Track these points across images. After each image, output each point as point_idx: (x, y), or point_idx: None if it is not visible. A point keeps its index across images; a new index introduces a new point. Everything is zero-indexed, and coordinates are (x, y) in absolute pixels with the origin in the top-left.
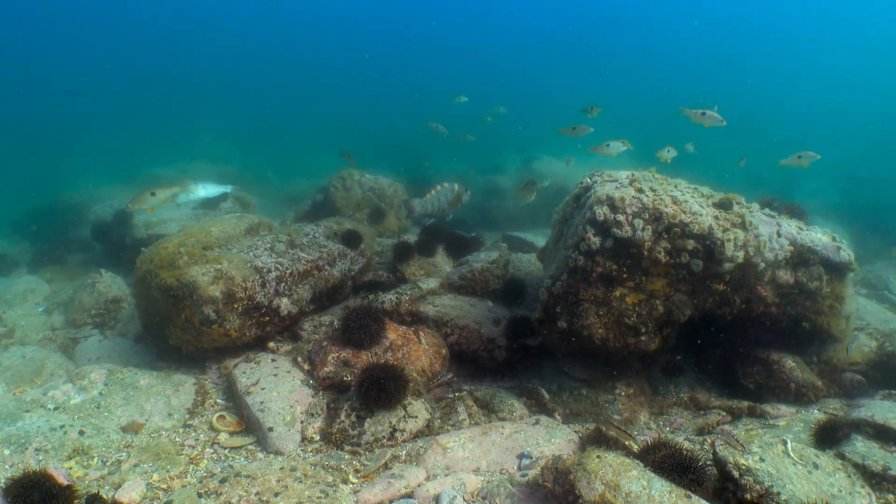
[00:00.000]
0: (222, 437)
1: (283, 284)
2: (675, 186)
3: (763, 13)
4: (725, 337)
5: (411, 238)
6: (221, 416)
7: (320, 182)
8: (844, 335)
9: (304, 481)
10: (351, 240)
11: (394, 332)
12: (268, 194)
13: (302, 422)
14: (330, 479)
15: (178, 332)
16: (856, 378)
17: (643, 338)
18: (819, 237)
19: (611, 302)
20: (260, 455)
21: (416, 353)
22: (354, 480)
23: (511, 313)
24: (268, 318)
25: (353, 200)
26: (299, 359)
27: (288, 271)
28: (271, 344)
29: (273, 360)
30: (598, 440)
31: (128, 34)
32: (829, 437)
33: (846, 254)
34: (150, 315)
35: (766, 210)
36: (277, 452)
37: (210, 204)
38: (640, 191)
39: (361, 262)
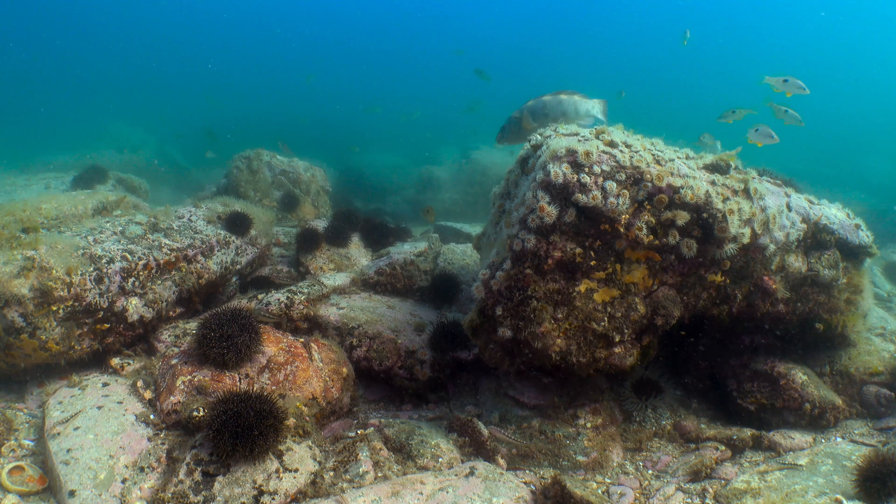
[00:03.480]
0: (8, 501)
1: (132, 280)
2: (653, 144)
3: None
4: (711, 342)
5: (320, 224)
6: (18, 469)
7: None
8: (860, 338)
9: None
10: (237, 224)
11: (273, 345)
12: (186, 187)
13: (125, 480)
14: None
15: None
16: (883, 393)
17: (617, 349)
18: (834, 213)
19: (573, 300)
20: None
21: (305, 373)
22: None
23: (439, 317)
24: (109, 326)
25: (260, 185)
26: (140, 383)
27: (141, 262)
28: (115, 360)
29: (104, 385)
30: (559, 500)
31: (28, 10)
32: (885, 482)
33: (866, 234)
34: None
35: (767, 178)
36: None
37: (82, 187)
38: (612, 144)
39: (252, 253)
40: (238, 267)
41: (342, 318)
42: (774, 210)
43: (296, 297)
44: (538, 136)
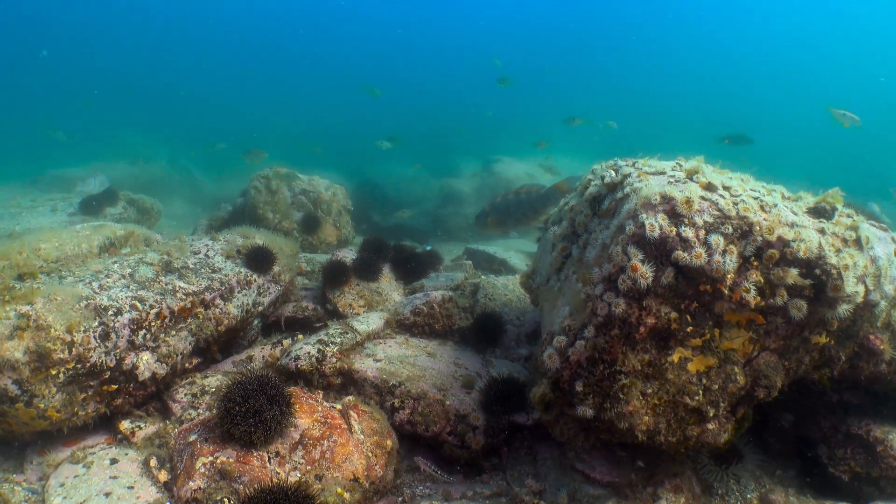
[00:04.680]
0: None
1: (143, 332)
2: (744, 180)
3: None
4: (795, 399)
5: (348, 255)
6: None
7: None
8: None
9: None
10: (259, 261)
11: (307, 416)
12: (200, 200)
13: None
14: None
15: None
16: None
17: (711, 426)
18: None
19: (665, 372)
20: None
21: (344, 449)
22: None
23: (487, 369)
24: (117, 387)
25: (280, 206)
26: (153, 462)
27: (153, 311)
28: (124, 425)
29: (112, 463)
30: None
31: (36, 16)
32: None
33: None
34: None
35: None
36: None
37: (91, 209)
38: (710, 188)
39: (275, 292)
40: (260, 308)
41: (380, 372)
42: (885, 261)
43: (328, 348)
44: (612, 173)
